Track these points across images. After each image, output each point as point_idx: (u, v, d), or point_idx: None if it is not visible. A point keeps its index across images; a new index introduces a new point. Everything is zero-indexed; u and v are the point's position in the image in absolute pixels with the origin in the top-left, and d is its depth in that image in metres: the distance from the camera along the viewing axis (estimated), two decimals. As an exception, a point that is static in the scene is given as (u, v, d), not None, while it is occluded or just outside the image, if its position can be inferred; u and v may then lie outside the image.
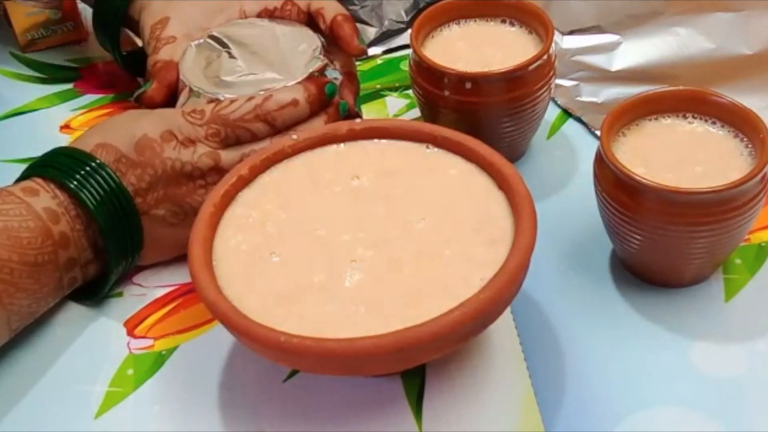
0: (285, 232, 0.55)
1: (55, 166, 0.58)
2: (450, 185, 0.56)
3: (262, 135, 0.61)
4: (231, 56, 0.66)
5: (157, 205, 0.59)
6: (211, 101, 0.62)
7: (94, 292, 0.60)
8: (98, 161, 0.57)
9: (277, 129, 0.61)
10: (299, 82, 0.63)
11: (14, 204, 0.55)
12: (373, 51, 0.82)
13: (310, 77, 0.63)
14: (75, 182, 0.57)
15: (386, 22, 0.83)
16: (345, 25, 0.66)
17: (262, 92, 0.62)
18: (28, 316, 0.56)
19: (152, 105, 0.65)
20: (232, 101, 0.61)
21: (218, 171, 0.60)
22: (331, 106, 0.63)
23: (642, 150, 0.57)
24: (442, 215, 0.54)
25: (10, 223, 0.54)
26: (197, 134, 0.59)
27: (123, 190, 0.57)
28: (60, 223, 0.56)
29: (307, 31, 0.68)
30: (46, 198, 0.56)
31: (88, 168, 0.57)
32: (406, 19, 0.83)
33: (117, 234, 0.58)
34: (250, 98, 0.61)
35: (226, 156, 0.60)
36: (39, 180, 0.58)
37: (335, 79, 0.66)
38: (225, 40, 0.67)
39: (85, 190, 0.56)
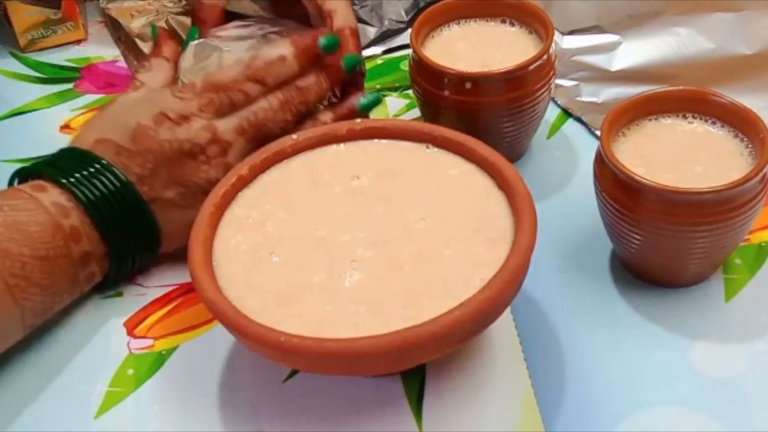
0: (285, 232, 0.55)
1: (56, 166, 0.58)
2: (450, 185, 0.56)
3: (256, 95, 0.60)
4: (230, 56, 0.66)
5: (165, 190, 0.59)
6: None
7: (115, 283, 0.61)
8: (102, 161, 0.57)
9: (268, 87, 0.61)
10: (287, 38, 0.62)
11: (23, 200, 0.56)
12: (373, 51, 0.82)
13: (301, 33, 0.62)
14: (72, 180, 0.57)
15: (386, 22, 0.83)
16: (350, 40, 0.65)
17: None
18: (42, 312, 0.56)
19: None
20: (219, 68, 0.61)
21: (217, 142, 0.59)
22: (331, 65, 0.62)
23: (642, 150, 0.57)
24: (442, 215, 0.54)
25: (20, 217, 0.55)
26: (189, 109, 0.59)
27: (125, 183, 0.57)
28: (70, 217, 0.56)
29: (307, 31, 0.68)
30: (54, 193, 0.57)
31: (89, 167, 0.57)
32: (406, 18, 0.83)
33: (120, 227, 0.57)
34: (237, 61, 0.61)
35: (222, 125, 0.59)
36: (46, 178, 0.58)
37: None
38: (224, 40, 0.67)
39: (82, 188, 0.57)
